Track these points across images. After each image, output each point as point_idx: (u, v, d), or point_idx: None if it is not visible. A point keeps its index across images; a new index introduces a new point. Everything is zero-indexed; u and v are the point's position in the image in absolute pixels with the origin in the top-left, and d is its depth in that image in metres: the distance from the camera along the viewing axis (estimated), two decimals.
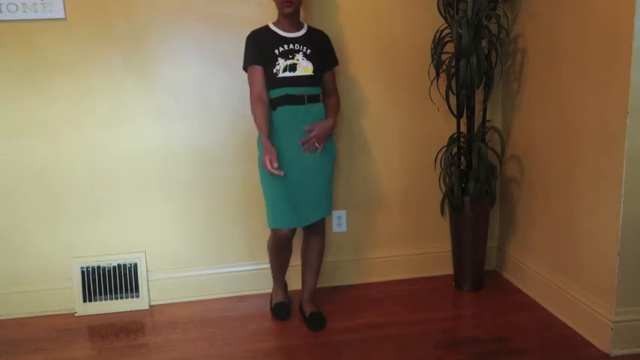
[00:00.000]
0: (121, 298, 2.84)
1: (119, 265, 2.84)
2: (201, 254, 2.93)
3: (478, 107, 2.86)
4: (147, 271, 2.87)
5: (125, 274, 2.84)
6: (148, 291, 2.88)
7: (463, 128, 2.87)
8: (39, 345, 2.52)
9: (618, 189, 2.14)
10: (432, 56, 2.76)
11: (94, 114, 2.73)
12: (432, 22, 2.78)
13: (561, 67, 2.50)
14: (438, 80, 2.81)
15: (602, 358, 2.25)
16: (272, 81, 2.39)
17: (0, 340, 2.58)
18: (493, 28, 2.76)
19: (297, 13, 2.43)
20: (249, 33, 2.45)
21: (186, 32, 2.72)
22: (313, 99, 2.43)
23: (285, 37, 2.42)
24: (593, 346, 2.32)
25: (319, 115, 2.45)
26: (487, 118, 2.87)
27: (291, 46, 2.41)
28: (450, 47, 2.75)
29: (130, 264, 2.84)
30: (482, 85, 2.76)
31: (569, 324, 2.50)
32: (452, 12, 2.73)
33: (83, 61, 2.68)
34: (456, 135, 2.88)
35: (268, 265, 2.76)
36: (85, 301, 2.81)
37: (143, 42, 2.71)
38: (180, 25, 2.72)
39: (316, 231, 2.58)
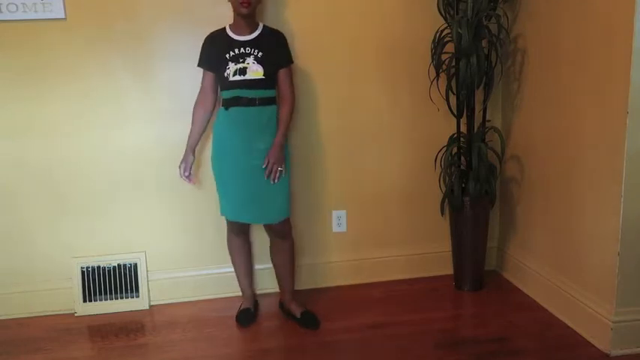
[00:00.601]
0: (121, 298, 2.84)
1: (119, 265, 2.84)
2: (201, 254, 2.92)
3: (478, 107, 2.86)
4: (147, 271, 2.87)
5: (125, 274, 2.84)
6: (148, 291, 2.88)
7: (463, 128, 2.87)
8: (39, 345, 2.52)
9: (618, 189, 2.14)
10: (432, 56, 2.76)
11: (94, 114, 2.73)
12: (432, 22, 2.78)
13: (561, 67, 2.50)
14: (438, 80, 2.81)
15: (602, 358, 2.25)
16: (224, 83, 2.42)
17: (0, 340, 2.58)
18: (493, 28, 2.76)
19: (253, 13, 2.41)
20: (206, 35, 2.48)
21: (187, 33, 2.72)
22: (266, 101, 2.42)
23: (236, 40, 2.41)
24: (593, 346, 2.32)
25: (270, 118, 2.44)
26: (487, 118, 2.86)
27: (241, 49, 2.39)
28: (450, 47, 2.75)
29: (130, 264, 2.84)
30: (482, 85, 2.76)
31: (569, 324, 2.50)
32: (452, 12, 2.73)
33: (83, 61, 2.68)
34: (456, 135, 2.88)
35: (268, 265, 2.76)
36: (85, 301, 2.81)
37: (143, 42, 2.71)
38: (181, 26, 2.71)
39: (278, 234, 2.57)
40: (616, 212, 2.16)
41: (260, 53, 2.39)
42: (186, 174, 2.56)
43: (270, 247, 2.65)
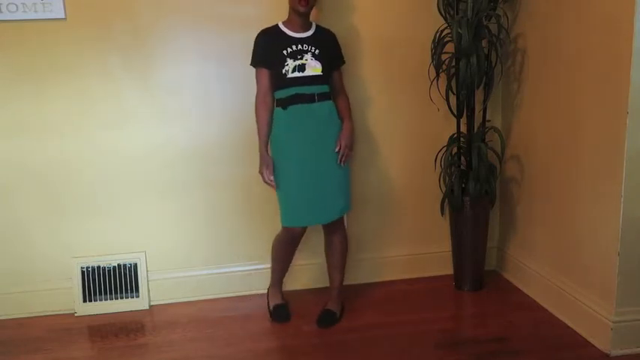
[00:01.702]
0: (121, 298, 2.84)
1: (119, 265, 2.84)
2: (201, 254, 2.93)
3: (478, 107, 2.86)
4: (147, 271, 2.87)
5: (125, 274, 2.84)
6: (148, 291, 2.88)
7: (463, 128, 2.87)
8: (39, 345, 2.52)
9: (618, 189, 2.14)
10: (432, 56, 2.76)
11: (94, 114, 2.73)
12: (432, 22, 2.78)
13: (561, 67, 2.50)
14: (438, 80, 2.81)
15: (602, 358, 2.25)
16: (281, 81, 2.40)
17: (0, 340, 2.58)
18: (493, 28, 2.76)
19: (309, 12, 2.44)
20: (259, 31, 2.46)
21: (187, 33, 2.72)
22: (323, 97, 2.45)
23: (293, 37, 2.43)
24: (593, 346, 2.32)
25: (330, 111, 2.48)
26: (487, 118, 2.86)
27: (299, 46, 2.41)
28: (450, 47, 2.75)
29: (130, 264, 2.84)
30: (482, 85, 2.76)
31: (569, 324, 2.50)
32: (452, 12, 2.73)
33: (83, 61, 2.68)
34: (456, 135, 2.88)
35: (268, 265, 2.76)
36: (85, 301, 2.81)
37: (143, 42, 2.71)
38: (181, 25, 2.72)
39: (336, 229, 2.57)
40: (616, 212, 2.16)
41: (317, 50, 2.42)
42: (272, 177, 2.44)
43: (326, 243, 2.63)
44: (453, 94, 2.79)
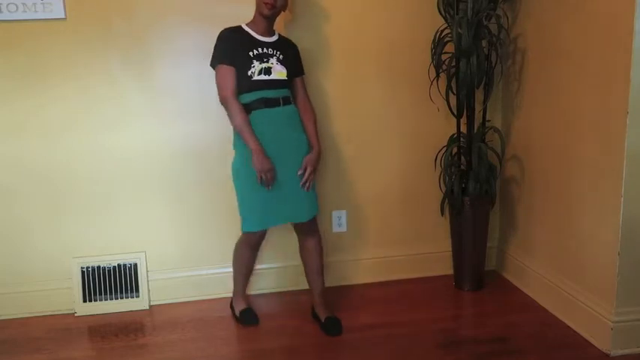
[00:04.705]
0: (121, 298, 2.84)
1: (119, 265, 2.84)
2: (201, 254, 2.92)
3: (478, 107, 2.86)
4: (147, 271, 2.87)
5: (125, 274, 2.84)
6: (148, 291, 2.88)
7: (463, 128, 2.87)
8: (39, 345, 2.52)
9: (618, 189, 2.14)
10: (432, 56, 2.76)
11: (94, 114, 2.73)
12: (432, 22, 2.78)
13: (561, 68, 2.50)
14: (438, 80, 2.81)
15: (602, 358, 2.25)
16: (246, 84, 2.35)
17: (0, 340, 2.58)
18: (493, 28, 2.76)
19: (275, 17, 2.42)
20: (221, 30, 2.42)
21: (186, 33, 2.72)
22: (287, 101, 2.44)
23: (259, 40, 2.40)
24: (593, 346, 2.32)
25: (294, 115, 2.46)
26: (487, 118, 2.86)
27: (265, 49, 2.39)
28: (450, 47, 2.75)
29: (130, 264, 2.84)
30: (482, 85, 2.76)
31: (569, 324, 2.50)
32: (452, 12, 2.72)
33: (83, 61, 2.67)
34: (456, 135, 2.88)
35: (268, 265, 2.77)
36: (85, 301, 2.81)
37: (143, 42, 2.71)
38: (180, 25, 2.72)
39: (309, 232, 2.54)
40: (616, 212, 2.16)
41: (282, 56, 2.41)
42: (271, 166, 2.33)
43: (300, 247, 2.61)
44: (453, 94, 2.79)
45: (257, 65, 2.35)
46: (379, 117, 2.95)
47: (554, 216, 2.62)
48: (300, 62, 2.56)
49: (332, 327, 2.53)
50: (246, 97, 2.36)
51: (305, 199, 2.45)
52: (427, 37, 2.79)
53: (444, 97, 2.79)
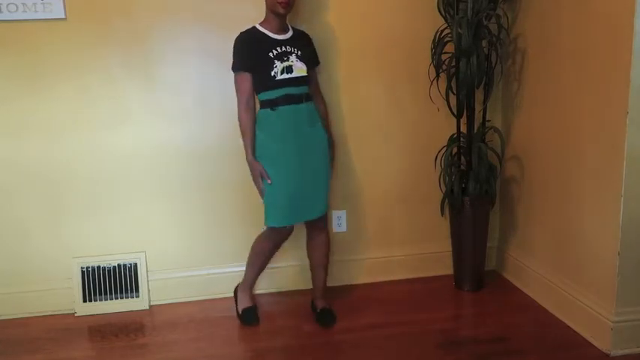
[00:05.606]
0: (121, 298, 2.84)
1: (119, 265, 2.84)
2: (201, 254, 2.92)
3: (478, 107, 2.86)
4: (147, 271, 2.87)
5: (125, 274, 2.84)
6: (148, 291, 2.88)
7: (463, 128, 2.87)
8: (39, 345, 2.52)
9: (618, 189, 2.14)
10: (432, 56, 2.76)
11: (94, 114, 2.73)
12: (432, 22, 2.78)
13: (561, 68, 2.50)
14: (438, 80, 2.81)
15: (602, 358, 2.25)
16: (269, 83, 2.39)
17: (0, 340, 2.58)
18: (493, 28, 2.76)
19: (287, 14, 2.43)
20: (237, 35, 2.43)
21: (187, 32, 2.72)
22: (308, 98, 2.48)
23: (276, 39, 2.42)
24: (593, 346, 2.32)
25: (314, 112, 2.52)
26: (487, 118, 2.87)
27: (283, 48, 2.41)
28: (450, 47, 2.75)
29: (130, 264, 2.84)
30: (482, 85, 2.77)
31: (569, 324, 2.50)
32: (452, 12, 2.73)
33: (83, 60, 2.67)
34: (456, 135, 2.88)
35: (269, 265, 2.75)
36: (85, 301, 2.81)
37: (143, 42, 2.71)
38: (181, 24, 2.71)
39: (320, 228, 2.59)
40: (616, 212, 2.16)
41: (299, 52, 2.44)
42: (268, 181, 2.42)
43: (308, 242, 2.65)
44: (453, 94, 2.79)
45: (279, 65, 2.38)
46: (379, 117, 2.95)
47: (554, 216, 2.62)
48: (315, 52, 2.61)
49: (325, 317, 2.58)
50: (272, 94, 2.41)
51: (321, 194, 2.53)
52: (427, 37, 2.79)
53: (444, 97, 2.79)
